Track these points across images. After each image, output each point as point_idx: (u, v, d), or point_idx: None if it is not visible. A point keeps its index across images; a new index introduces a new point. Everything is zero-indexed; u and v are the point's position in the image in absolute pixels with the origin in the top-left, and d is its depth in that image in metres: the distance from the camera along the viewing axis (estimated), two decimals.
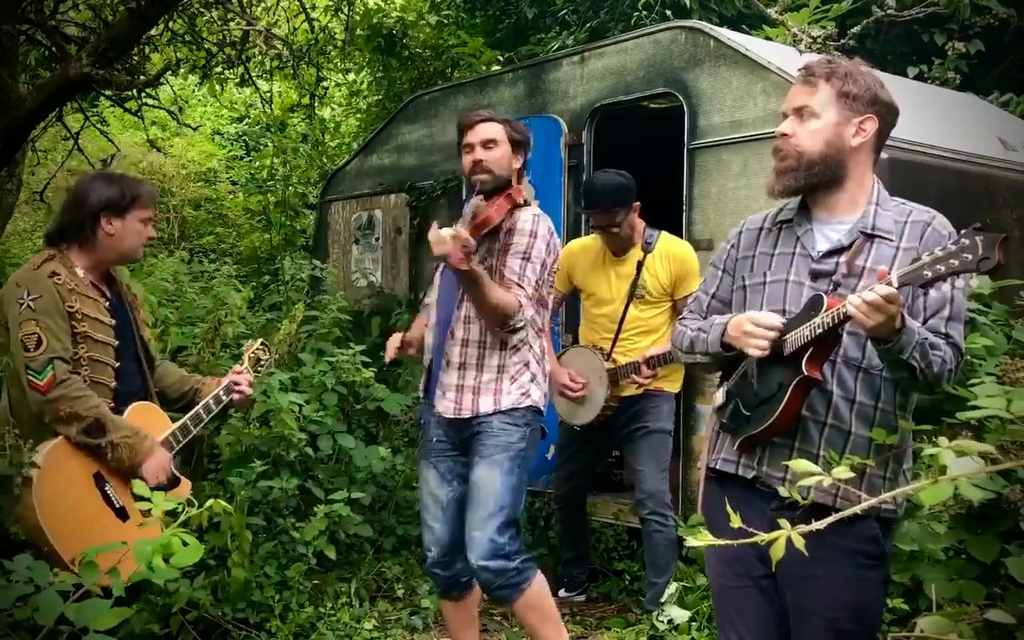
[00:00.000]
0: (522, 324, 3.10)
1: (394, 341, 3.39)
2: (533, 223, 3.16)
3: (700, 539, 1.48)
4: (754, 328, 2.15)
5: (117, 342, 2.98)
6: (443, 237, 2.85)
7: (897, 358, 2.01)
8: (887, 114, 2.22)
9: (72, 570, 2.49)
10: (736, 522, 1.51)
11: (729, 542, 1.51)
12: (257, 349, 3.48)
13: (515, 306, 3.05)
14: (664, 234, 4.27)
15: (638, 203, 4.18)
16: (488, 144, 3.19)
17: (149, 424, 3.00)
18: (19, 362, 2.81)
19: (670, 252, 4.20)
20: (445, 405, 3.17)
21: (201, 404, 3.20)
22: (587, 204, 4.22)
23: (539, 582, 3.18)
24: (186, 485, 3.09)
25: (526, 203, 3.22)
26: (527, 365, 3.18)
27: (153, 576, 1.60)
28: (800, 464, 1.43)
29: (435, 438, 3.25)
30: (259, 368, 3.47)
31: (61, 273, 2.91)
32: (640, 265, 4.17)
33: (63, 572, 1.62)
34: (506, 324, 3.07)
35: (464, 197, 3.27)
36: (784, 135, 2.21)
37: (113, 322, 2.99)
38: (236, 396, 3.27)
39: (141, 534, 2.54)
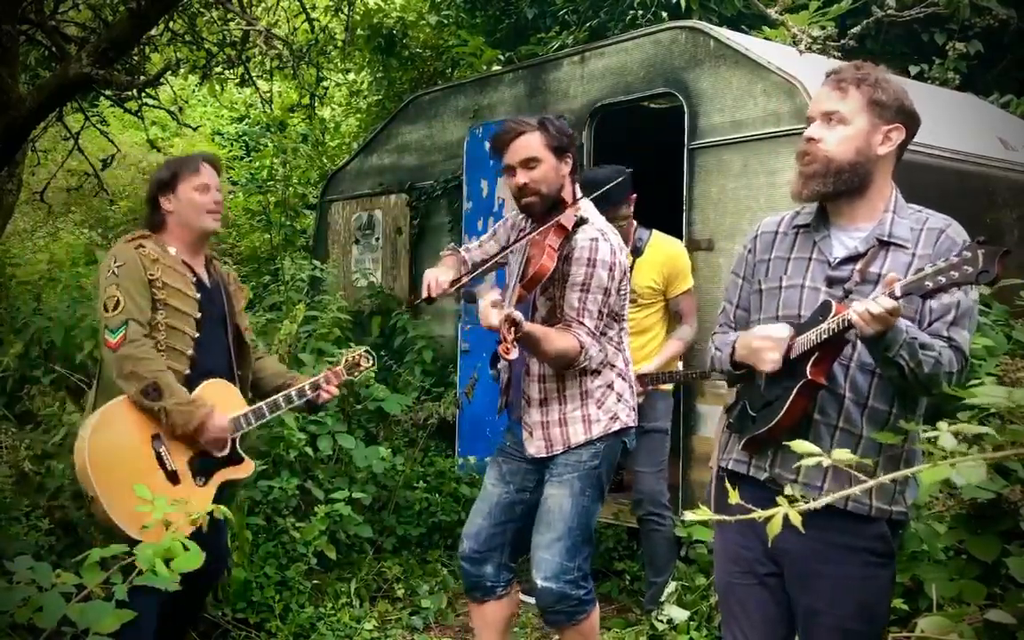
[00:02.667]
0: (587, 362, 2.93)
1: (444, 279, 2.98)
2: (591, 250, 2.88)
3: (699, 515, 1.48)
4: (763, 343, 2.16)
5: (200, 315, 3.09)
6: (489, 318, 2.64)
7: (884, 356, 2.02)
8: (911, 124, 2.21)
9: (109, 521, 2.74)
10: (734, 498, 1.51)
11: (729, 519, 1.52)
12: (362, 356, 3.55)
13: (576, 349, 2.87)
14: (656, 234, 4.23)
15: (634, 195, 4.11)
16: (529, 163, 2.91)
17: (221, 401, 3.08)
18: (100, 322, 3.00)
19: (662, 252, 4.17)
20: (537, 446, 3.02)
21: (282, 394, 3.28)
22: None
23: (594, 617, 3.07)
24: (249, 465, 3.18)
25: (582, 222, 2.92)
26: (611, 386, 3.02)
27: (155, 581, 1.60)
28: (801, 445, 1.44)
29: (509, 443, 3.17)
30: (354, 373, 3.53)
31: (147, 246, 3.07)
32: (630, 269, 4.11)
33: (65, 573, 1.62)
34: (572, 367, 2.92)
35: (514, 220, 3.14)
36: (811, 139, 2.18)
37: (198, 296, 3.10)
38: (323, 395, 3.35)
39: (189, 496, 2.80)
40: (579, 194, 3.06)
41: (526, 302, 3.00)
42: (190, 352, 3.06)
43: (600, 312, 2.92)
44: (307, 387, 3.32)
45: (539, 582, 2.95)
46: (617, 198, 3.96)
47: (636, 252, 4.14)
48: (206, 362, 3.11)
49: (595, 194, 3.21)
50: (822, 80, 2.25)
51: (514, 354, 2.65)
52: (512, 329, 2.63)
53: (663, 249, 4.19)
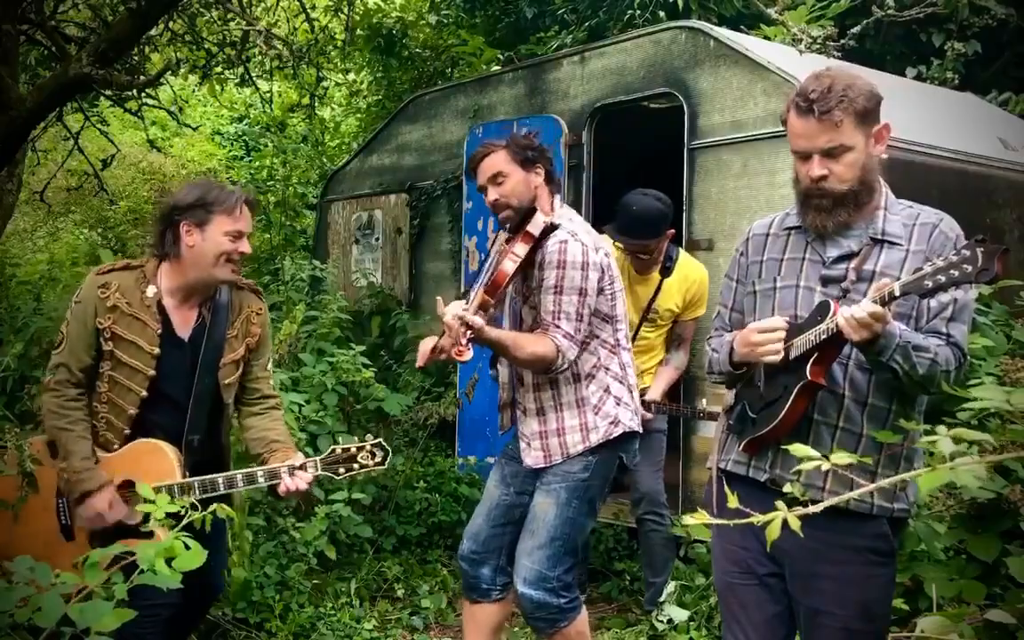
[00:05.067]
0: (566, 368, 2.91)
1: (427, 347, 3.03)
2: (560, 253, 2.90)
3: (698, 518, 1.48)
4: (762, 337, 2.16)
5: (153, 373, 2.80)
6: (448, 323, 2.68)
7: (877, 360, 2.03)
8: (879, 108, 2.19)
9: None
10: (733, 502, 1.51)
11: (728, 523, 1.52)
12: (365, 448, 2.93)
13: (551, 351, 2.86)
14: (683, 254, 4.18)
15: (672, 231, 4.02)
16: (496, 179, 3.01)
17: (143, 468, 2.75)
18: None
19: (688, 276, 4.12)
20: (534, 457, 3.02)
21: (224, 475, 2.83)
22: (622, 230, 3.94)
23: (580, 621, 3.08)
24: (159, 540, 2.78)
25: (552, 227, 2.92)
26: (607, 390, 3.00)
27: (156, 580, 1.59)
28: (799, 449, 1.43)
29: (511, 446, 3.19)
30: (343, 470, 2.91)
31: (112, 286, 2.80)
32: (658, 289, 4.09)
33: (66, 573, 1.62)
34: (550, 371, 2.92)
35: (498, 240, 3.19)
36: (822, 178, 2.13)
37: (157, 352, 2.80)
38: (280, 489, 2.82)
39: (73, 555, 2.10)
40: (557, 203, 3.09)
41: (490, 307, 2.96)
42: (132, 411, 2.80)
43: (579, 314, 2.91)
44: (260, 474, 2.83)
45: (519, 588, 2.99)
46: (660, 232, 3.93)
47: (665, 271, 4.08)
48: (153, 422, 2.83)
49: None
50: (793, 109, 2.14)
51: (467, 356, 2.74)
52: (466, 330, 2.71)
53: (689, 274, 4.13)
